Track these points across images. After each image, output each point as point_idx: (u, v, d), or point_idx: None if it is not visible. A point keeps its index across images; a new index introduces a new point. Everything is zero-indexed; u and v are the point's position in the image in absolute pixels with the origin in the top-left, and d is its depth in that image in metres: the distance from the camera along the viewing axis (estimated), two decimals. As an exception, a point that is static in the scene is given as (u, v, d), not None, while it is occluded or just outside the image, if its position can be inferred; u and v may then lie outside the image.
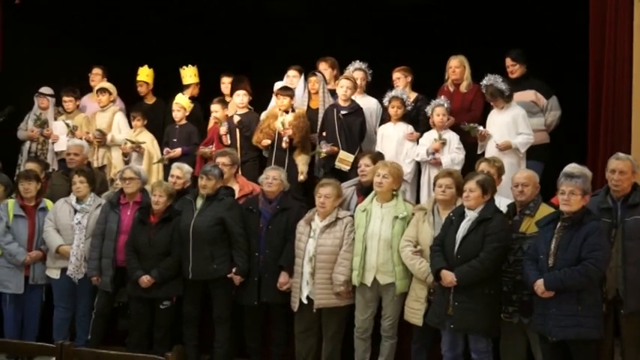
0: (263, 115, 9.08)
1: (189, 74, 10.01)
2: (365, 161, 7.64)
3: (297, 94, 9.05)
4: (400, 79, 9.00)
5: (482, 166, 7.21)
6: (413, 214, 7.07)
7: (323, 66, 9.20)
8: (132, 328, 7.73)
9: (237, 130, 8.99)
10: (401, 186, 7.41)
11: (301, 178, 8.58)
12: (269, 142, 8.72)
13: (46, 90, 9.93)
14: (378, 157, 7.76)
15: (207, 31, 10.87)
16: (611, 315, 6.52)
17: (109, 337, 7.95)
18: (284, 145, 8.62)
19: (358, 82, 8.80)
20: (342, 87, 8.55)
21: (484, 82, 8.17)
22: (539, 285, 6.05)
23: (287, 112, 8.73)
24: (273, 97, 9.21)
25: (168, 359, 4.69)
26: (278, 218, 7.49)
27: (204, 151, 9.03)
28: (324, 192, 7.23)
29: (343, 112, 8.56)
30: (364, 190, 7.52)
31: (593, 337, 6.03)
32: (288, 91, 8.82)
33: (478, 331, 6.47)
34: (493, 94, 8.09)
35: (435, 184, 7.03)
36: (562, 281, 5.97)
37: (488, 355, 6.58)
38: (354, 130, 8.54)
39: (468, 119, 8.37)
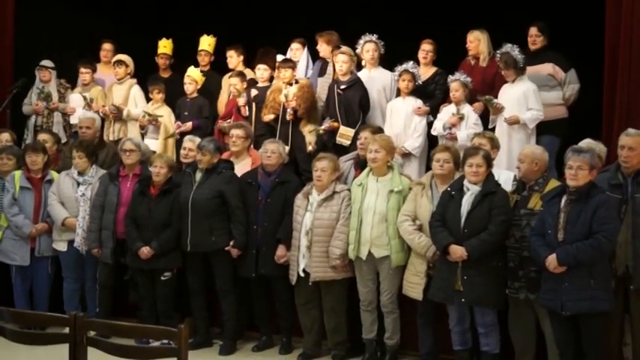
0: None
1: (207, 42, 9.87)
2: (365, 134, 7.54)
3: (301, 67, 9.03)
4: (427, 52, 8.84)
5: (476, 141, 7.15)
6: (410, 189, 7.03)
7: (319, 41, 9.00)
8: (141, 300, 7.82)
9: (254, 104, 8.93)
10: (394, 157, 7.34)
11: (310, 148, 8.45)
12: (272, 116, 8.65)
13: (47, 63, 9.87)
14: (378, 130, 7.68)
15: (215, 3, 10.82)
16: (621, 291, 6.44)
17: (121, 310, 8.03)
18: (288, 117, 8.54)
19: (370, 54, 8.66)
20: (339, 62, 8.46)
21: (501, 49, 8.08)
22: (552, 260, 5.99)
23: (290, 84, 8.62)
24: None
25: (180, 331, 4.68)
26: (277, 191, 7.49)
27: (223, 125, 8.98)
28: (321, 165, 7.23)
29: (342, 86, 8.48)
30: (361, 163, 7.46)
31: (605, 309, 6.04)
32: (289, 63, 8.73)
33: (487, 304, 6.50)
34: (507, 63, 7.97)
35: (432, 159, 6.99)
36: (575, 256, 5.92)
37: (495, 328, 6.59)
38: (353, 105, 8.44)
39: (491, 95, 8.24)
